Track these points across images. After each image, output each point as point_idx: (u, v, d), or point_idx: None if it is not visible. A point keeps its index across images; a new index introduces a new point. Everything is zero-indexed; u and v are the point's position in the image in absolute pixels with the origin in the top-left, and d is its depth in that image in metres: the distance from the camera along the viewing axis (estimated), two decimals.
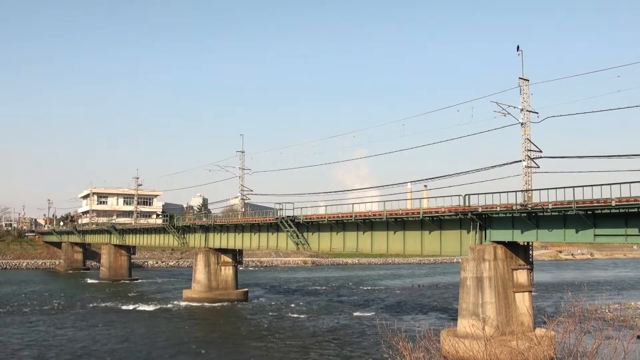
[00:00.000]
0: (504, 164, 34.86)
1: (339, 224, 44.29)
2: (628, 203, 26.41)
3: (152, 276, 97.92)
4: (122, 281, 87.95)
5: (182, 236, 69.53)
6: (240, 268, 79.25)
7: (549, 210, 29.78)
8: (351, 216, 41.77)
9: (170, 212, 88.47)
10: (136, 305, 57.31)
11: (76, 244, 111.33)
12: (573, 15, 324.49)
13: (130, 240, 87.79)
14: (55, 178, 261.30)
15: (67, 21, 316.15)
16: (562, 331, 15.68)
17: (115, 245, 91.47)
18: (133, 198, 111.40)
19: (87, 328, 43.77)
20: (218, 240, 62.33)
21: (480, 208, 32.67)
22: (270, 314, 52.26)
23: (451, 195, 35.11)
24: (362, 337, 40.17)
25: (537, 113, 34.19)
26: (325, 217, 44.49)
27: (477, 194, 33.28)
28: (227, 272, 62.62)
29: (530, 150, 33.59)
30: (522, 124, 33.94)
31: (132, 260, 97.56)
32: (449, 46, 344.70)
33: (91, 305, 57.84)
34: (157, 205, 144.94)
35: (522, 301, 33.53)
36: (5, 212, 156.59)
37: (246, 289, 65.84)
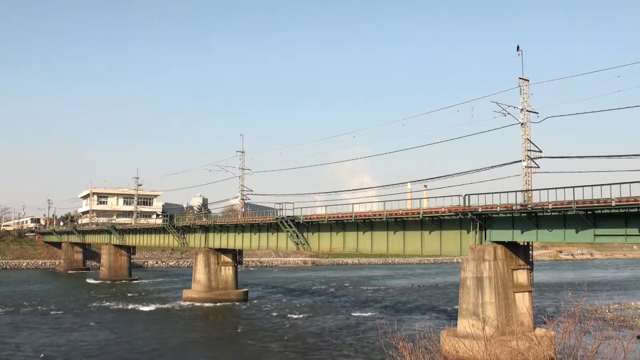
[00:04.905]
0: (504, 164, 34.89)
1: (339, 224, 44.27)
2: (628, 203, 26.40)
3: (152, 276, 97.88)
4: (122, 281, 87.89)
5: (182, 236, 69.51)
6: (240, 268, 79.22)
7: (549, 210, 29.77)
8: (351, 216, 41.75)
9: (170, 212, 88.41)
10: (136, 306, 57.27)
11: (76, 244, 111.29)
12: (573, 15, 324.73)
13: (130, 240, 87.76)
14: (55, 178, 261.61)
15: (67, 21, 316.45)
16: (562, 331, 15.65)
17: (115, 245, 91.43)
18: (133, 198, 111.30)
19: (87, 328, 43.76)
20: (218, 240, 62.31)
21: (480, 208, 32.66)
22: (270, 314, 52.24)
23: (451, 195, 35.14)
24: (362, 337, 40.15)
25: (537, 113, 34.22)
26: (325, 217, 44.46)
27: (477, 194, 33.28)
28: (227, 272, 62.59)
29: (530, 150, 33.57)
30: (522, 124, 33.93)
31: (132, 260, 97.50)
32: (449, 46, 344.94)
33: (91, 305, 57.81)
34: (157, 205, 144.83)
35: (522, 301, 33.53)
36: (5, 212, 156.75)
37: (246, 289, 65.81)
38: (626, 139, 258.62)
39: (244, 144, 79.17)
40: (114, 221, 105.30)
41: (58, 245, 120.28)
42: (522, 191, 32.75)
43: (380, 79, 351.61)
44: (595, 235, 29.16)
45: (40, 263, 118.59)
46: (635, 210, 26.89)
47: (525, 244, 34.84)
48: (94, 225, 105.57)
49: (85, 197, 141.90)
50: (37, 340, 38.64)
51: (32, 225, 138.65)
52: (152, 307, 56.12)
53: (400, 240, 39.87)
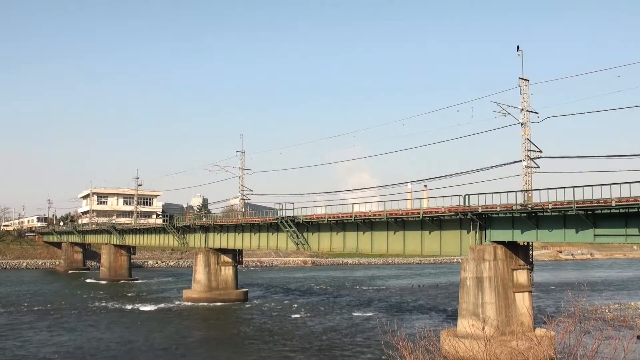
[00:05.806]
0: (504, 164, 34.88)
1: (339, 224, 44.26)
2: (628, 203, 26.40)
3: (152, 276, 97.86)
4: (122, 281, 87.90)
5: (182, 236, 69.50)
6: (240, 268, 79.22)
7: (549, 210, 29.77)
8: (351, 216, 41.74)
9: (170, 212, 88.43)
10: (136, 305, 57.27)
11: (76, 244, 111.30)
12: (573, 15, 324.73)
13: (130, 240, 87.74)
14: (55, 178, 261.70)
15: (67, 21, 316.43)
16: (562, 331, 15.65)
17: (115, 245, 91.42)
18: (133, 198, 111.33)
19: (87, 328, 43.76)
20: (218, 240, 62.30)
21: (480, 208, 32.65)
22: (270, 314, 52.24)
23: (451, 195, 35.12)
24: (362, 337, 40.15)
25: (537, 113, 34.23)
26: (325, 217, 44.45)
27: (477, 194, 33.27)
28: (227, 272, 62.58)
29: (530, 150, 33.58)
30: (522, 124, 33.94)
31: (132, 260, 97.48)
32: (449, 46, 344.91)
33: (91, 305, 57.82)
34: (157, 205, 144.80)
35: (522, 301, 33.52)
36: (6, 212, 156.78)
37: (246, 289, 65.81)
38: (626, 139, 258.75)
39: (244, 144, 79.06)
40: (114, 221, 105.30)
41: (58, 245, 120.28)
42: (522, 191, 32.74)
43: (380, 79, 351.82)
44: (595, 235, 29.16)
45: (40, 263, 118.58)
46: (635, 210, 26.88)
47: (525, 244, 34.83)
48: (94, 225, 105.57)
49: (85, 197, 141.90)
50: (36, 340, 38.65)
51: (39, 224, 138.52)
52: (152, 307, 56.12)
53: (400, 240, 39.87)
